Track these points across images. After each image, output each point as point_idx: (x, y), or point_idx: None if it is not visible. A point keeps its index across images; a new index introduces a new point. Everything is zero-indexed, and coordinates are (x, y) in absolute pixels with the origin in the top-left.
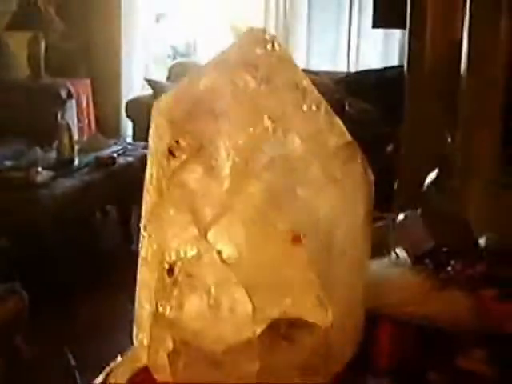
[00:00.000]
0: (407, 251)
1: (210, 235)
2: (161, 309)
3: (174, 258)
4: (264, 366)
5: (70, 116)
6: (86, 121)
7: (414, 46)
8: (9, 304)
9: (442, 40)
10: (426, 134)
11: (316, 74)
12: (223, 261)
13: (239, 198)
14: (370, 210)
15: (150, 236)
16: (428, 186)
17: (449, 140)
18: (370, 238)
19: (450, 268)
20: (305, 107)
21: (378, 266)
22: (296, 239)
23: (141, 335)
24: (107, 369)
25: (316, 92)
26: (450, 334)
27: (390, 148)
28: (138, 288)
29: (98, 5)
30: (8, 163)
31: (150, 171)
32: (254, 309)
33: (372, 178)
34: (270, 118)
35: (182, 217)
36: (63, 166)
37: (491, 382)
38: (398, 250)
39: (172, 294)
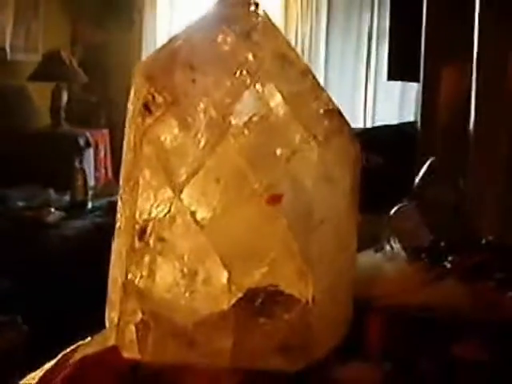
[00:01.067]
0: (403, 244)
1: (183, 195)
2: (131, 276)
3: (145, 217)
4: (238, 343)
5: (88, 164)
6: (103, 170)
7: (427, 99)
8: (8, 335)
9: (455, 93)
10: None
11: None
12: (197, 222)
13: (215, 157)
14: (356, 184)
15: (124, 203)
16: (422, 177)
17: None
18: (357, 214)
19: (447, 262)
20: (288, 70)
21: (371, 258)
22: (274, 199)
23: (112, 314)
24: (73, 346)
25: (303, 62)
26: (444, 323)
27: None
28: (111, 263)
29: (119, 59)
30: (21, 204)
31: (127, 135)
32: (230, 277)
33: (358, 151)
34: (248, 71)
35: (156, 177)
36: (76, 209)
37: (485, 369)
38: (392, 243)
39: (143, 260)
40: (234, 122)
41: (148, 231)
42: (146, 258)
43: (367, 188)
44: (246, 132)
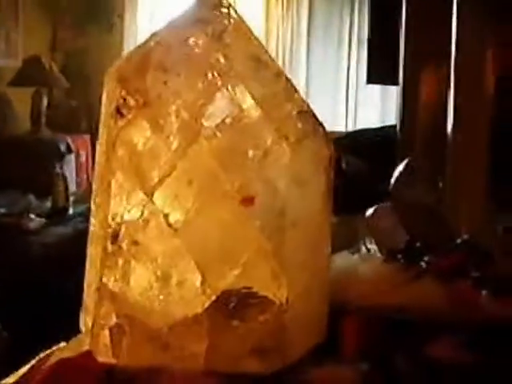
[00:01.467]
0: (379, 245)
1: (156, 198)
2: (104, 280)
3: (118, 221)
4: (212, 346)
5: (69, 170)
6: (85, 175)
7: (406, 102)
8: None
9: (433, 95)
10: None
11: None
12: (170, 225)
13: (187, 159)
14: (330, 186)
15: (97, 207)
16: (397, 179)
17: (440, 185)
18: (330, 216)
19: (423, 263)
20: (261, 72)
21: (347, 259)
22: (247, 201)
23: (87, 318)
24: (47, 351)
25: (276, 64)
26: (419, 324)
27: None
28: (86, 268)
29: (99, 63)
30: (1, 210)
31: (101, 138)
32: (203, 280)
33: (332, 152)
34: (219, 73)
35: (128, 180)
36: (57, 215)
37: (461, 368)
38: (368, 244)
39: (116, 264)
40: (206, 124)
41: (121, 235)
42: (120, 262)
43: (348, 191)
44: (218, 134)
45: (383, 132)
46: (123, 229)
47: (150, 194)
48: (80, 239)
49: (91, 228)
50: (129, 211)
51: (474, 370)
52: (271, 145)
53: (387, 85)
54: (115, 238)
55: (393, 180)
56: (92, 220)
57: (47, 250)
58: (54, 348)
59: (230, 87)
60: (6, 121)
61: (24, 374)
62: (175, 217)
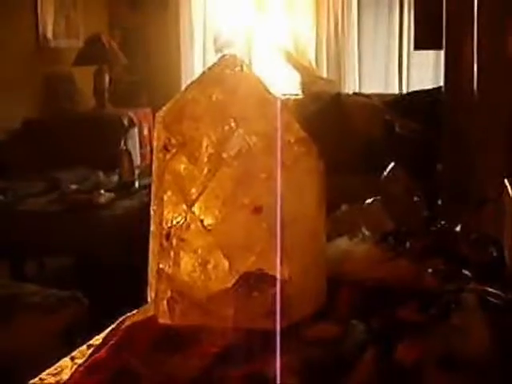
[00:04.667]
0: (371, 232)
1: (194, 208)
2: (162, 266)
3: (169, 225)
4: (238, 310)
5: (132, 143)
6: (148, 147)
7: (450, 66)
8: (70, 309)
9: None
10: (464, 150)
11: (367, 96)
12: (205, 227)
13: (215, 180)
14: (323, 192)
15: (154, 213)
16: (386, 177)
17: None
18: (324, 214)
19: (407, 244)
20: (266, 112)
21: (345, 242)
22: (257, 210)
23: (151, 292)
24: (124, 316)
25: (279, 102)
26: (392, 292)
27: (439, 167)
28: (150, 256)
29: (157, 38)
30: (73, 187)
31: (154, 165)
32: (230, 265)
33: (322, 167)
34: (234, 120)
35: (175, 196)
36: (124, 189)
37: (420, 327)
38: (364, 230)
39: (169, 254)
40: (225, 155)
41: (171, 234)
42: (172, 253)
43: (402, 154)
44: (234, 163)
45: (435, 94)
46: (173, 230)
47: (190, 206)
48: (146, 211)
49: (151, 227)
50: (176, 218)
51: (427, 327)
52: (273, 168)
53: (434, 49)
54: (167, 237)
55: (382, 177)
56: (151, 222)
57: (117, 222)
58: (129, 314)
59: (241, 129)
60: (72, 99)
61: (107, 335)
62: (208, 221)
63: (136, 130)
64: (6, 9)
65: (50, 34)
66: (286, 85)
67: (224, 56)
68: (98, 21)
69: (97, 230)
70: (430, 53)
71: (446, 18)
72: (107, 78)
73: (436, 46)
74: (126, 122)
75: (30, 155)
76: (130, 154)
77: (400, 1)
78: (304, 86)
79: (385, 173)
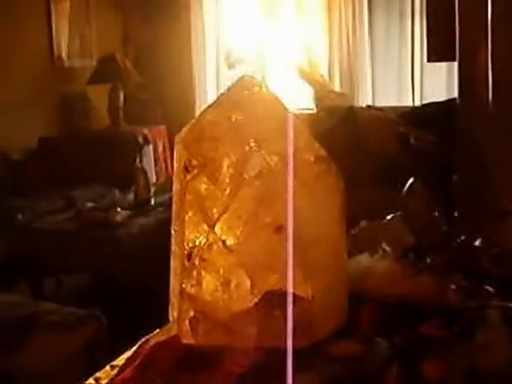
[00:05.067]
0: (392, 247)
1: (216, 229)
2: (184, 285)
3: (191, 245)
4: (261, 330)
5: (148, 161)
6: (163, 165)
7: (464, 77)
8: (89, 327)
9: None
10: (480, 162)
11: (380, 109)
12: (227, 247)
13: (236, 200)
14: (343, 210)
15: (176, 233)
16: (406, 192)
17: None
18: (345, 231)
19: (428, 260)
20: (285, 132)
21: (368, 259)
22: (278, 229)
23: (174, 312)
24: (144, 338)
25: (298, 121)
26: (415, 309)
27: (455, 178)
28: (171, 276)
29: (171, 55)
30: (89, 205)
31: (174, 185)
32: (252, 284)
33: (342, 185)
34: (254, 141)
35: (196, 216)
36: (140, 206)
37: (444, 343)
38: (384, 246)
39: (192, 274)
40: (246, 176)
41: (193, 255)
42: (194, 273)
43: (418, 165)
44: (256, 183)
45: (450, 105)
46: (195, 251)
47: (212, 226)
48: (163, 228)
49: (172, 247)
50: (198, 238)
51: (451, 344)
52: (294, 188)
53: (447, 61)
54: (189, 257)
55: (403, 193)
56: (172, 241)
57: (133, 240)
58: (152, 334)
59: (262, 150)
60: (87, 118)
61: (131, 355)
62: (230, 241)
63: (151, 147)
64: (21, 29)
65: (64, 54)
66: (299, 99)
67: (242, 77)
68: (111, 38)
69: (113, 248)
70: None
71: (459, 30)
72: (121, 96)
73: (449, 58)
74: (140, 139)
75: (46, 173)
76: (145, 171)
77: (411, 11)
78: (317, 101)
79: (405, 188)
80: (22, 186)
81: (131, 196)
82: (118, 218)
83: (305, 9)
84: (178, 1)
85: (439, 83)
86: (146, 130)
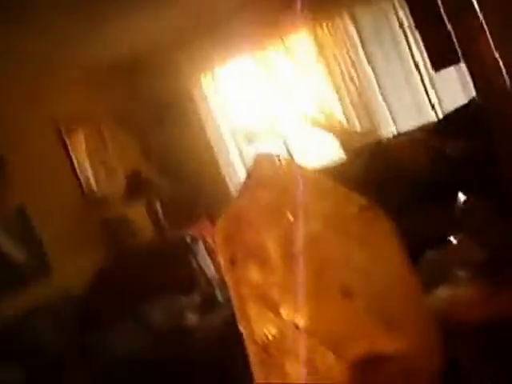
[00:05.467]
0: (464, 270)
1: (282, 313)
2: (269, 380)
3: (264, 340)
4: None
5: (202, 258)
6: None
7: (477, 75)
8: None
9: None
10: None
11: (407, 133)
12: (300, 329)
13: (293, 278)
14: (403, 250)
15: (245, 330)
16: (463, 210)
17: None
18: (413, 270)
19: (504, 273)
20: (321, 195)
21: (445, 290)
22: (346, 294)
23: None
24: None
25: (326, 180)
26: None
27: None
28: (253, 373)
29: (191, 152)
30: (159, 318)
31: (226, 280)
32: (336, 355)
33: (393, 224)
34: (290, 213)
35: (258, 307)
36: (208, 305)
37: None
38: (456, 271)
39: (273, 367)
40: (296, 250)
41: (269, 348)
42: (275, 365)
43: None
44: (307, 253)
45: (472, 106)
46: (269, 343)
47: (277, 313)
48: (234, 323)
49: (246, 344)
50: (268, 329)
51: None
52: (348, 246)
53: (454, 65)
54: (266, 350)
55: (458, 211)
56: (245, 338)
57: (207, 340)
58: None
59: (300, 219)
60: (132, 236)
61: None
62: (301, 322)
63: (201, 244)
64: (45, 170)
65: (93, 184)
66: (326, 151)
67: (257, 156)
68: (132, 154)
69: (189, 353)
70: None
71: (455, 31)
72: (158, 206)
73: (454, 61)
74: (188, 239)
75: (111, 299)
76: (203, 269)
77: (403, 32)
78: (344, 145)
79: (458, 205)
80: (88, 320)
81: (197, 297)
82: (189, 323)
83: (301, 64)
84: (184, 111)
85: (453, 86)
86: (190, 229)
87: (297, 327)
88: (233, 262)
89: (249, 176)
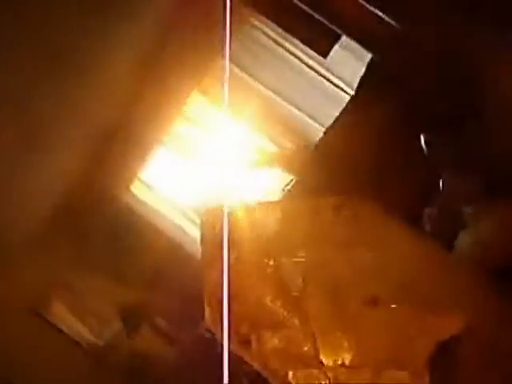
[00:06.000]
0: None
1: (324, 361)
2: None
3: None
4: None
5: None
6: None
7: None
8: None
9: None
10: None
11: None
12: (347, 367)
13: (315, 319)
14: (401, 224)
15: None
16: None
17: None
18: (427, 238)
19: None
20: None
21: (464, 234)
22: (371, 302)
23: None
24: None
25: (271, 205)
26: None
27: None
28: None
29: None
30: None
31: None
32: (401, 368)
33: (379, 207)
34: (274, 258)
35: (298, 370)
36: None
37: None
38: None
39: None
40: (296, 290)
41: None
42: None
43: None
44: (312, 287)
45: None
46: None
47: (319, 365)
48: None
49: None
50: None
51: None
52: (346, 258)
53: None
54: None
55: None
56: None
57: None
58: None
59: (290, 257)
60: (151, 365)
61: None
62: (346, 358)
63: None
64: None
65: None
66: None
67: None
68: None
69: None
70: None
71: None
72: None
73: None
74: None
75: None
76: None
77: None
78: (289, 170)
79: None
80: None
81: None
82: None
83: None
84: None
85: None
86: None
87: (344, 365)
88: (248, 342)
89: (203, 241)
